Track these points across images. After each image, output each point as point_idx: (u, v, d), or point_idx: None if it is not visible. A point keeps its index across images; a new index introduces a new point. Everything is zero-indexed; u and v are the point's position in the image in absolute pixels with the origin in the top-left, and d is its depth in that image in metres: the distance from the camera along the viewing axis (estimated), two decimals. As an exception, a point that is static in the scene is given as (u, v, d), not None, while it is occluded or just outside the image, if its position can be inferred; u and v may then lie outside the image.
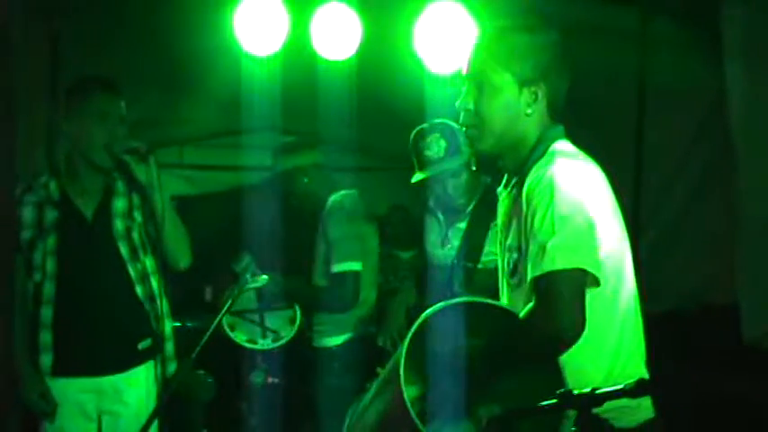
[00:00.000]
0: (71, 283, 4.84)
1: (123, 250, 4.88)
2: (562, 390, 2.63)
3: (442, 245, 5.50)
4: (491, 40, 3.43)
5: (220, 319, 4.30)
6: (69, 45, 6.36)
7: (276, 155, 6.04)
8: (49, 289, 4.83)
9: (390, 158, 5.87)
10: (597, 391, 2.57)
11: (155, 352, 4.89)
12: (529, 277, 3.13)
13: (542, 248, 3.08)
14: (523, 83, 3.35)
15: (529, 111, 3.35)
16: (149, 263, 4.94)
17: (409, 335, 3.13)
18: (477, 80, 3.40)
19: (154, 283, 4.94)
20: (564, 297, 3.04)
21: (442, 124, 5.38)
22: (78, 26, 6.32)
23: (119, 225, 4.89)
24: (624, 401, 2.65)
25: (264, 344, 5.80)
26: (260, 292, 5.73)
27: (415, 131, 5.46)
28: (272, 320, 5.92)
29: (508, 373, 3.14)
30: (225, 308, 4.28)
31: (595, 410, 2.60)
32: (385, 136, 5.70)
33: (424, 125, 5.44)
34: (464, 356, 3.18)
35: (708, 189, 6.33)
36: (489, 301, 3.32)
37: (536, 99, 3.35)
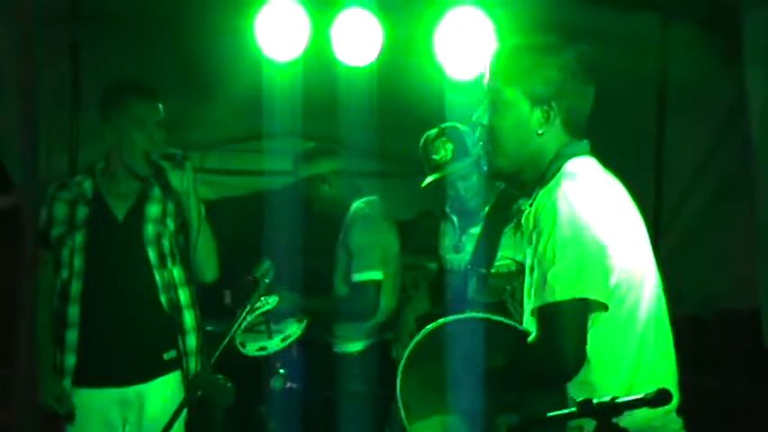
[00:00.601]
0: (97, 282, 4.84)
1: (151, 255, 4.87)
2: (582, 399, 2.62)
3: (456, 250, 5.51)
4: (506, 56, 3.39)
5: (235, 332, 4.31)
6: (91, 50, 6.38)
7: (295, 163, 6.04)
8: (76, 287, 4.83)
9: (411, 164, 5.87)
10: (617, 401, 2.57)
11: (180, 363, 4.90)
12: (531, 307, 3.11)
13: (543, 277, 3.04)
14: (535, 101, 3.29)
15: (540, 130, 3.29)
16: (177, 273, 4.92)
17: (408, 349, 3.14)
18: (492, 96, 3.37)
19: (181, 294, 4.92)
20: (562, 329, 3.00)
21: (449, 127, 5.42)
22: (99, 31, 6.34)
23: (150, 229, 4.88)
24: (647, 421, 2.65)
25: (273, 345, 5.78)
26: (270, 311, 5.74)
27: (423, 137, 5.50)
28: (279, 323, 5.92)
29: (518, 389, 3.14)
30: (238, 322, 4.29)
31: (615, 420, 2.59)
32: (406, 141, 5.69)
33: (432, 130, 5.47)
34: (467, 371, 3.17)
35: (728, 194, 6.31)
36: (493, 317, 3.31)
37: (548, 118, 3.29)
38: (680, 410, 3.26)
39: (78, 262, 4.84)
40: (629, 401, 2.57)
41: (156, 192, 4.93)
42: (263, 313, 5.71)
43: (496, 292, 5.09)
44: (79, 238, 4.85)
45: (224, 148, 7.68)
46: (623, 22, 5.94)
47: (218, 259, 4.97)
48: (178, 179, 4.72)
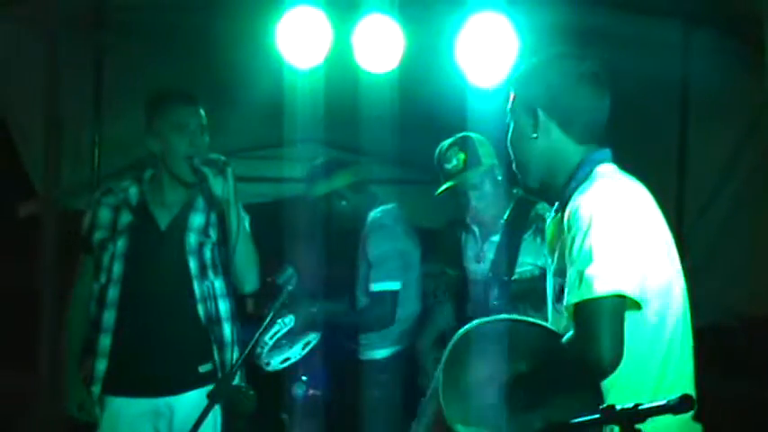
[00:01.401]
0: (135, 290, 4.84)
1: (192, 265, 4.85)
2: (605, 404, 2.61)
3: (478, 260, 5.51)
4: (514, 73, 3.51)
5: (257, 340, 4.31)
6: (114, 59, 6.41)
7: (309, 179, 6.03)
8: (113, 293, 4.82)
9: (433, 171, 5.86)
10: (641, 407, 2.56)
11: (215, 376, 4.82)
12: (566, 303, 3.11)
13: (580, 275, 3.05)
14: (528, 107, 3.37)
15: (534, 135, 3.36)
16: (218, 284, 4.89)
17: (447, 351, 3.13)
18: (509, 117, 3.47)
19: (221, 306, 4.89)
20: (601, 325, 3.00)
21: (463, 137, 5.43)
22: (122, 39, 6.36)
23: (192, 239, 4.86)
24: (668, 427, 2.64)
25: (295, 354, 5.77)
26: (288, 331, 5.72)
27: (438, 147, 5.50)
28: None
29: (549, 392, 3.13)
30: (258, 332, 4.31)
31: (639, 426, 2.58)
32: (428, 149, 5.68)
33: (446, 140, 5.48)
34: (502, 374, 3.17)
35: (751, 201, 6.29)
36: (529, 319, 3.32)
37: (536, 123, 3.35)
38: (697, 416, 3.26)
39: (117, 268, 4.83)
40: (652, 407, 2.55)
41: (201, 201, 4.90)
42: (284, 335, 5.67)
43: (519, 297, 5.08)
44: (120, 243, 4.85)
45: (245, 155, 7.66)
46: (645, 28, 5.93)
47: (259, 270, 4.91)
48: (220, 186, 4.67)
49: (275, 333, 5.56)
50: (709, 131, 6.31)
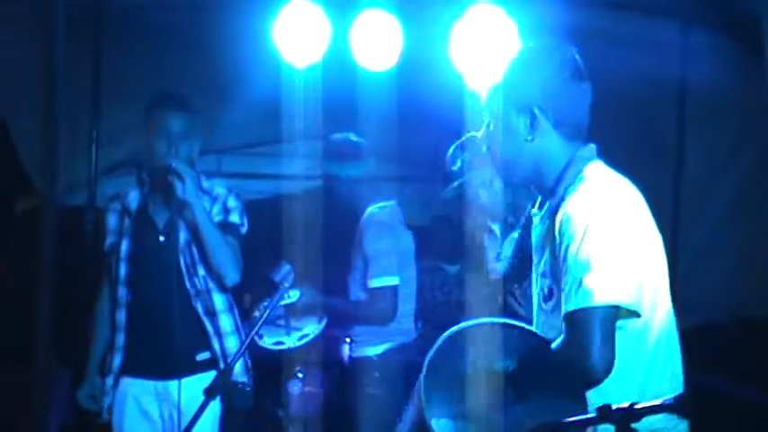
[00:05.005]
0: (139, 288, 5.01)
1: (182, 262, 4.96)
2: (601, 404, 2.62)
3: (498, 259, 5.49)
4: (500, 74, 3.42)
5: (256, 332, 4.32)
6: (112, 55, 6.40)
7: (326, 155, 6.00)
8: (122, 293, 5.01)
9: (430, 168, 5.85)
10: (636, 406, 2.56)
11: (216, 364, 4.98)
12: (564, 311, 3.09)
13: (578, 283, 3.05)
14: (519, 109, 3.31)
15: (529, 137, 3.30)
16: (212, 278, 5.02)
17: (432, 351, 3.15)
18: (490, 113, 3.41)
19: (217, 298, 5.04)
20: (597, 334, 3.00)
21: (467, 138, 5.40)
22: (121, 37, 6.36)
23: (182, 237, 4.96)
24: (651, 424, 2.64)
25: (290, 342, 5.77)
26: (291, 304, 5.72)
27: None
28: (298, 320, 5.91)
29: (535, 391, 3.14)
30: (260, 323, 4.34)
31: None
32: (425, 146, 5.68)
33: (455, 143, 5.48)
34: (490, 377, 3.18)
35: (747, 201, 6.30)
36: (517, 323, 3.32)
37: (533, 124, 3.30)
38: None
39: (123, 270, 5.01)
40: (649, 407, 2.56)
41: None
42: (284, 306, 5.69)
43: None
44: (124, 247, 5.02)
45: (242, 152, 7.70)
46: (644, 28, 5.93)
47: (238, 265, 5.03)
48: (180, 189, 4.78)
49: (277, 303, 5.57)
50: (706, 131, 6.31)
